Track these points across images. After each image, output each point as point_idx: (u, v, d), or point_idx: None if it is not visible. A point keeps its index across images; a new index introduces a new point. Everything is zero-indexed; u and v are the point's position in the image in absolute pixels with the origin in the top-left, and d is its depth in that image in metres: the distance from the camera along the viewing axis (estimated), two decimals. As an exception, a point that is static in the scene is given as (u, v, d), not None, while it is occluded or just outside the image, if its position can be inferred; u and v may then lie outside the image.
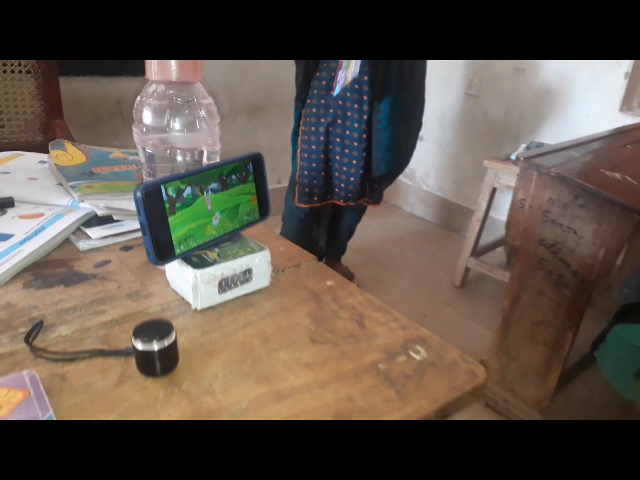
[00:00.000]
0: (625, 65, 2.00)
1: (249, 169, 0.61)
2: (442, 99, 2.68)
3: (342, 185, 1.82)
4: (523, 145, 2.08)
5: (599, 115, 2.09)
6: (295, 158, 1.84)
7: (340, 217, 2.06)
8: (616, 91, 2.05)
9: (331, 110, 1.76)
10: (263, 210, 0.65)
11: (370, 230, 2.69)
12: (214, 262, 0.56)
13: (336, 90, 1.65)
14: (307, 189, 1.84)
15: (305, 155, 1.81)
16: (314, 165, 1.80)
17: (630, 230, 1.17)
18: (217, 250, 0.58)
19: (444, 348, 0.51)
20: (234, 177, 0.59)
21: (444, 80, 2.64)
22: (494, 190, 2.03)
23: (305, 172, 1.82)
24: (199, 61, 0.59)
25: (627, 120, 2.02)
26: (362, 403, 0.44)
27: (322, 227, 2.08)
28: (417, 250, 2.55)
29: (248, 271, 0.58)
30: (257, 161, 0.63)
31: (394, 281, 2.26)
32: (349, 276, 2.16)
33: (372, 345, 0.51)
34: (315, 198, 1.85)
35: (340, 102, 1.73)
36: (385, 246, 2.57)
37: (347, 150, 1.77)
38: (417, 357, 0.49)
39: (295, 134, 1.84)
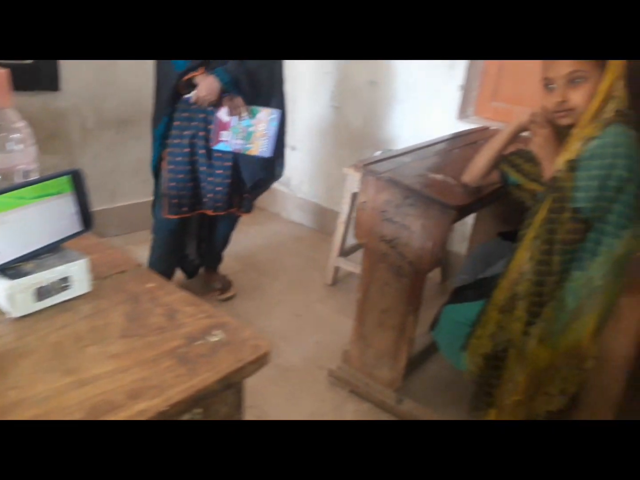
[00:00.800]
0: (460, 78, 2.28)
1: (66, 183, 0.66)
2: (310, 110, 2.84)
3: (210, 195, 1.89)
4: (378, 152, 2.28)
5: (441, 122, 2.34)
6: (157, 169, 1.88)
7: (214, 227, 2.11)
8: (454, 101, 2.32)
9: (194, 123, 1.81)
10: (86, 223, 0.70)
11: (249, 238, 2.77)
12: (29, 273, 0.60)
13: (218, 146, 1.76)
14: (175, 200, 1.87)
15: (172, 166, 1.85)
16: (180, 176, 1.85)
17: (450, 223, 1.37)
18: (35, 261, 0.63)
19: (239, 330, 0.60)
20: (50, 192, 0.64)
21: (313, 93, 2.80)
22: (355, 194, 2.20)
23: (173, 184, 1.86)
24: (6, 88, 0.63)
25: (464, 126, 2.30)
26: (155, 382, 0.51)
27: (195, 237, 2.12)
28: (293, 254, 2.68)
29: (65, 279, 0.63)
30: (76, 177, 0.68)
31: (271, 285, 2.36)
32: (227, 284, 2.21)
33: (177, 334, 0.59)
34: (184, 209, 1.89)
35: (202, 115, 1.80)
36: (264, 252, 2.67)
37: (211, 161, 1.84)
38: (213, 339, 0.58)
39: (156, 145, 1.86)
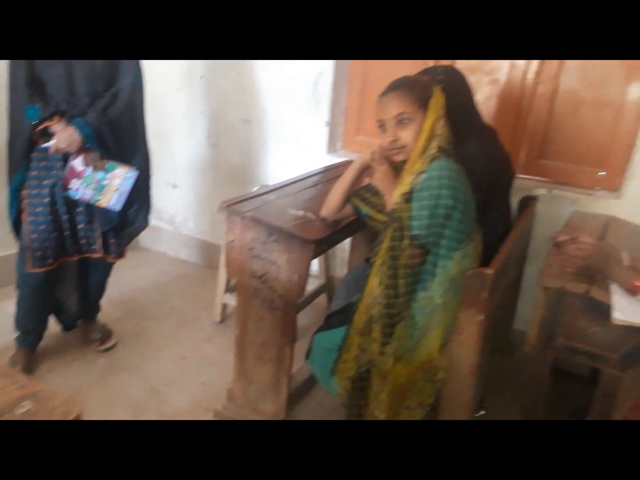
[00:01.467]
0: (325, 114, 2.42)
1: None
2: (189, 148, 2.85)
3: (74, 242, 1.83)
4: (256, 188, 2.35)
5: (313, 157, 2.46)
6: (17, 221, 1.79)
7: (86, 275, 2.04)
8: (322, 137, 2.46)
9: (54, 172, 1.76)
10: None
11: (132, 281, 2.69)
12: None
13: (67, 193, 1.72)
14: (39, 253, 1.79)
15: (32, 218, 1.77)
16: (42, 227, 1.77)
17: (310, 256, 1.45)
18: None
19: (50, 398, 0.60)
20: None
21: (189, 132, 2.82)
22: (234, 230, 2.24)
23: (35, 235, 1.78)
24: None
25: (334, 160, 2.43)
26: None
27: (66, 289, 2.03)
28: (180, 294, 2.64)
29: None
30: None
31: (157, 329, 2.31)
32: (106, 334, 2.13)
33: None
34: (49, 261, 1.81)
35: (61, 164, 1.75)
36: (149, 295, 2.60)
37: (73, 208, 1.80)
38: (21, 411, 0.58)
39: (13, 199, 1.78)
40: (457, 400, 1.33)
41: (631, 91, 1.87)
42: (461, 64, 2.13)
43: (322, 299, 2.55)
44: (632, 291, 1.22)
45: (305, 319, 2.37)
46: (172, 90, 2.78)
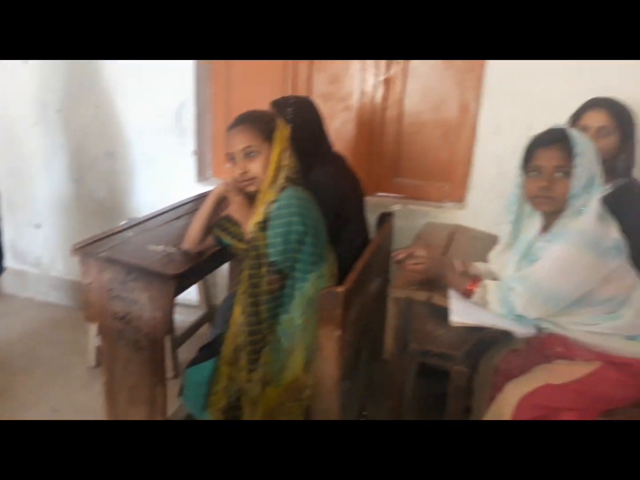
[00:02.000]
0: (192, 144, 2.42)
1: None
2: (50, 185, 2.69)
3: None
4: (124, 222, 2.28)
5: (183, 187, 2.43)
6: None
7: None
8: (191, 166, 2.46)
9: None
10: None
11: (-5, 333, 2.47)
12: None
13: None
14: None
15: None
16: None
17: (173, 291, 1.44)
18: None
19: None
20: None
21: (49, 169, 2.66)
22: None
23: None
24: None
25: (205, 188, 2.43)
26: None
27: None
28: (51, 340, 2.46)
29: None
30: None
31: (24, 383, 2.13)
32: (-39, 395, 1.93)
33: None
34: None
35: None
36: (14, 346, 2.40)
37: None
38: None
39: None
40: (325, 413, 1.39)
41: (464, 112, 2.09)
42: (316, 92, 2.26)
43: (206, 329, 2.52)
44: (466, 294, 1.36)
45: (188, 352, 2.32)
46: (27, 126, 2.62)
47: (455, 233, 1.94)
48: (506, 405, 1.27)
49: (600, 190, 1.24)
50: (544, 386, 1.27)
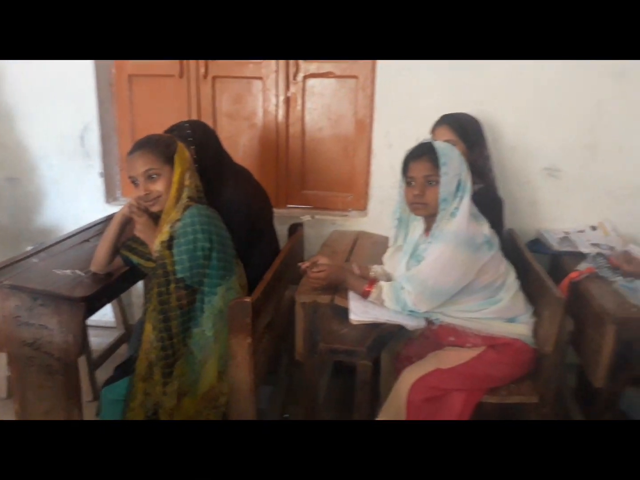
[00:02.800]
0: (98, 166, 2.41)
1: None
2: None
3: None
4: (30, 247, 2.22)
5: (92, 209, 2.41)
6: None
7: None
8: (99, 187, 2.44)
9: None
10: None
11: None
12: None
13: None
14: None
15: None
16: None
17: (83, 313, 1.46)
18: None
19: None
20: None
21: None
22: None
23: None
24: None
25: (115, 209, 2.42)
26: None
27: None
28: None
29: None
30: None
31: None
32: None
33: None
34: None
35: None
36: None
37: None
38: None
39: None
40: (242, 417, 1.47)
41: (360, 128, 2.26)
42: (220, 112, 2.34)
43: (124, 349, 2.50)
44: (364, 295, 1.50)
45: (107, 374, 2.30)
46: None
47: (358, 239, 2.09)
48: (403, 387, 1.42)
49: (470, 192, 1.42)
50: (434, 370, 1.43)
